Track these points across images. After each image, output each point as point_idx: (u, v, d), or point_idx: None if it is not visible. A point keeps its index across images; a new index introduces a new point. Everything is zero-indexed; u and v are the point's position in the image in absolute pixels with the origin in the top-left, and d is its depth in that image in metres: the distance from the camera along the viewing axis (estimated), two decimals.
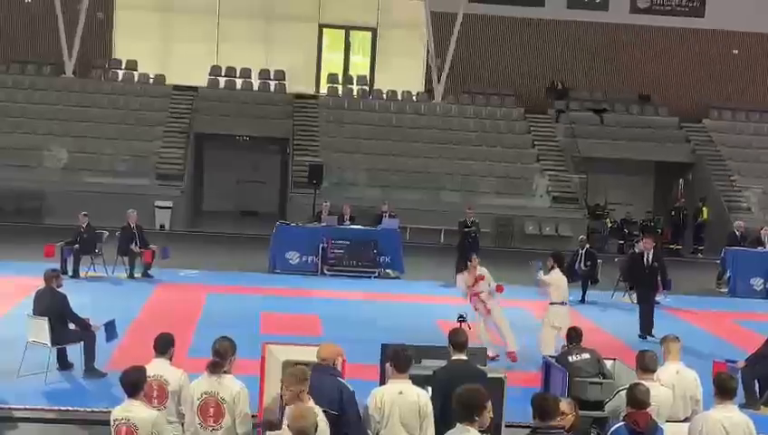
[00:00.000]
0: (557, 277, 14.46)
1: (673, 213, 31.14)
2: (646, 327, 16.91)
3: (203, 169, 34.29)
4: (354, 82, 35.91)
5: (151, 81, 34.35)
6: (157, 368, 8.45)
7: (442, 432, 7.31)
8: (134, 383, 7.58)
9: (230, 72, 35.11)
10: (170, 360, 8.72)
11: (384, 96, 35.18)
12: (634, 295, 19.07)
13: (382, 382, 8.59)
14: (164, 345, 8.73)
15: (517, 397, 9.11)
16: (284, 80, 35.23)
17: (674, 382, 9.38)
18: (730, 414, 7.85)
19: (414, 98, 35.13)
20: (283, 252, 22.38)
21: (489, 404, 6.75)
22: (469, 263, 15.25)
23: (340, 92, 35.41)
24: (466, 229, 22.63)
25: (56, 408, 11.30)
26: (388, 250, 22.53)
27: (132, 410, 7.52)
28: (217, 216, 32.38)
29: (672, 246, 29.60)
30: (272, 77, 35.29)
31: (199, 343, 12.78)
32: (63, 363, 12.64)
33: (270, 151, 34.84)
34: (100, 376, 12.32)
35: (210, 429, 7.91)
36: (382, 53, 36.90)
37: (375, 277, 21.98)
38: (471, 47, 35.67)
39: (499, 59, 36.62)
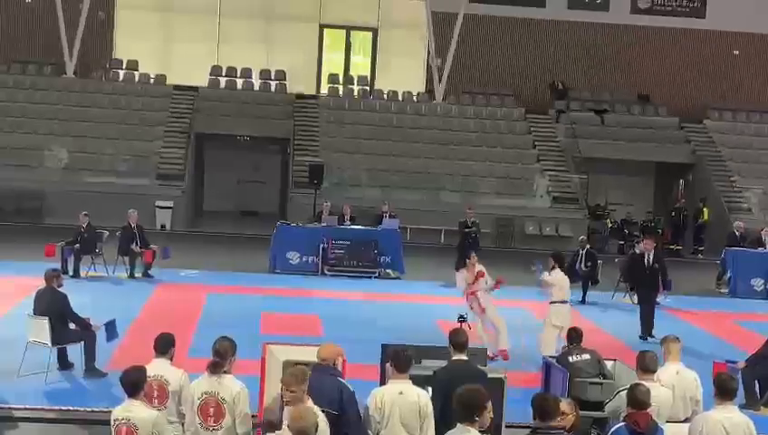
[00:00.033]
0: (560, 277, 14.51)
1: (673, 213, 31.11)
2: (646, 328, 16.92)
3: (203, 169, 34.26)
4: (355, 82, 35.89)
5: (152, 81, 34.33)
6: (157, 368, 8.45)
7: (442, 432, 7.31)
8: (134, 383, 7.58)
9: (231, 72, 35.10)
10: (171, 360, 8.72)
11: (385, 96, 35.15)
12: (635, 296, 19.06)
13: (382, 383, 8.59)
14: (164, 345, 8.73)
15: (517, 397, 9.12)
16: (285, 80, 35.22)
17: (674, 383, 9.39)
18: (730, 415, 7.85)
19: (414, 98, 35.10)
20: (283, 252, 22.39)
21: (489, 404, 6.76)
22: (468, 261, 15.26)
23: (340, 93, 35.38)
24: (467, 230, 22.67)
25: (56, 408, 11.30)
26: (389, 250, 22.54)
27: (133, 410, 7.53)
28: (218, 216, 32.34)
29: (672, 247, 29.56)
30: (272, 77, 35.28)
31: (199, 343, 12.78)
32: (64, 363, 12.63)
33: (270, 151, 34.82)
34: (100, 376, 12.32)
35: (210, 429, 7.92)
36: (383, 54, 36.89)
37: (375, 277, 21.97)
38: (472, 47, 35.65)
39: (500, 59, 36.59)
